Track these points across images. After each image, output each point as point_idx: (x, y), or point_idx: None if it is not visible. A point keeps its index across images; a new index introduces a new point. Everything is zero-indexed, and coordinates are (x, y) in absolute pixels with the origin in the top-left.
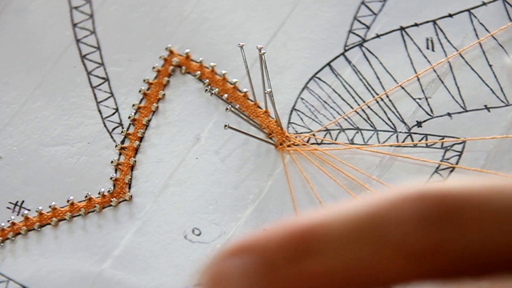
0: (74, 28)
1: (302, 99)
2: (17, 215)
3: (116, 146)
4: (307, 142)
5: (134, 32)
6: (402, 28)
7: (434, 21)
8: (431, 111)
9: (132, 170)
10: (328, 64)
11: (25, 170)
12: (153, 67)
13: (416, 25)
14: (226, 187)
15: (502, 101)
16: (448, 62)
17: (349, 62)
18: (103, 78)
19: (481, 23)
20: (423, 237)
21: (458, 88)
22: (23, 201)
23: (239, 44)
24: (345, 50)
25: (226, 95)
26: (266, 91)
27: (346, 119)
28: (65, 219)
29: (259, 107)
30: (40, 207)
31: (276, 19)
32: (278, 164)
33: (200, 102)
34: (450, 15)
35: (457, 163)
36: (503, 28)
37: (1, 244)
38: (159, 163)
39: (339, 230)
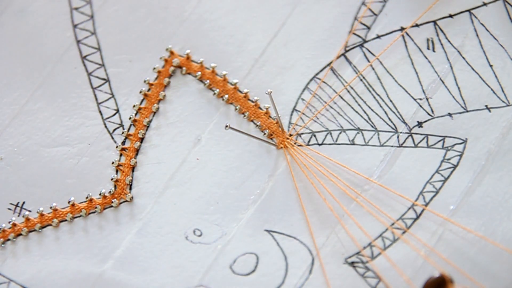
0: (75, 29)
1: (303, 99)
2: (18, 216)
3: (117, 147)
4: (308, 142)
5: (134, 33)
6: (402, 29)
7: (434, 22)
8: (432, 111)
9: (133, 171)
10: (329, 65)
11: (26, 171)
12: (154, 68)
13: (416, 25)
14: (227, 188)
15: (503, 101)
16: (449, 63)
17: (350, 62)
18: (103, 79)
19: (481, 24)
20: None
21: (459, 88)
22: (24, 202)
23: (267, 92)
24: (346, 51)
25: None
26: (266, 92)
27: (347, 120)
28: (66, 220)
29: (259, 108)
30: (41, 208)
31: (277, 20)
32: (279, 165)
33: (200, 103)
34: (451, 16)
35: (458, 163)
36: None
37: (2, 245)
38: (160, 164)
39: None
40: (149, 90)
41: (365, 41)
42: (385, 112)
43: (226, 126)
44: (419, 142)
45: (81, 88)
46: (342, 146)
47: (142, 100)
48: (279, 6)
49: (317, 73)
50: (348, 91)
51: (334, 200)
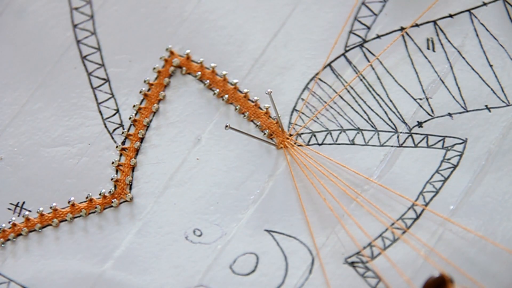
0: (75, 29)
1: (303, 99)
2: (18, 216)
3: (117, 147)
4: (308, 142)
5: (134, 33)
6: (402, 29)
7: (434, 22)
8: (432, 111)
9: (133, 171)
10: (329, 64)
11: (26, 171)
12: (154, 68)
13: (416, 25)
14: (227, 188)
15: (503, 101)
16: (449, 63)
17: (350, 62)
18: (103, 79)
19: (481, 23)
20: None
21: (459, 88)
22: (24, 202)
23: (267, 91)
24: (346, 51)
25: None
26: (266, 92)
27: (347, 120)
28: (66, 220)
29: (259, 108)
30: (41, 208)
31: (277, 20)
32: (279, 165)
33: (200, 103)
34: (451, 16)
35: (458, 163)
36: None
37: (2, 245)
38: (160, 164)
39: None
40: (149, 90)
41: (365, 41)
42: (385, 112)
43: (226, 126)
44: (419, 142)
45: (81, 88)
46: (342, 146)
47: (142, 100)
48: (279, 6)
49: (317, 73)
50: (348, 91)
51: (334, 200)
